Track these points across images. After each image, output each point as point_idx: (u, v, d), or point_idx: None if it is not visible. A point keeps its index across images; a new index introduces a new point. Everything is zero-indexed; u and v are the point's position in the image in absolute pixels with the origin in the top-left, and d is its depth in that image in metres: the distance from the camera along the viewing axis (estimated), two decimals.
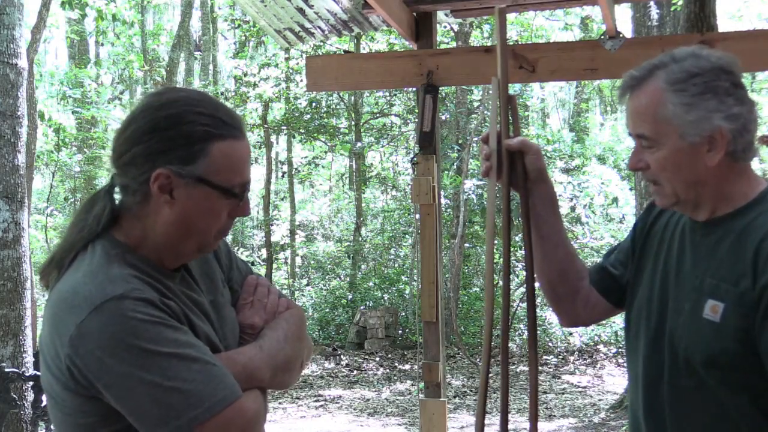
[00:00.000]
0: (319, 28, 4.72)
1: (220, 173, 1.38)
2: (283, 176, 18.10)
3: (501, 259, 1.76)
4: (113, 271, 1.33)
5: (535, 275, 1.80)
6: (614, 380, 10.23)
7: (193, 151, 1.36)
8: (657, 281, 1.64)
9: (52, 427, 1.48)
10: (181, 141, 1.36)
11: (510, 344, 11.20)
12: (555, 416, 8.56)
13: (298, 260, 16.54)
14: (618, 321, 11.31)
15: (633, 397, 1.69)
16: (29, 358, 5.59)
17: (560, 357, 11.63)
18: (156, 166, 1.35)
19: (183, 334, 1.32)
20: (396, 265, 15.10)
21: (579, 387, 10.09)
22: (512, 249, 10.46)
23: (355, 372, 11.31)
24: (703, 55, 1.53)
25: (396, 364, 11.60)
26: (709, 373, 1.50)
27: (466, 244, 13.33)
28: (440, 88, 4.05)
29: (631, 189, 13.59)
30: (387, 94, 14.24)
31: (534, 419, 1.73)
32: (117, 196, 1.43)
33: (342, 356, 12.05)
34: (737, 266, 1.48)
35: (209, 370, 1.30)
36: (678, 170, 1.53)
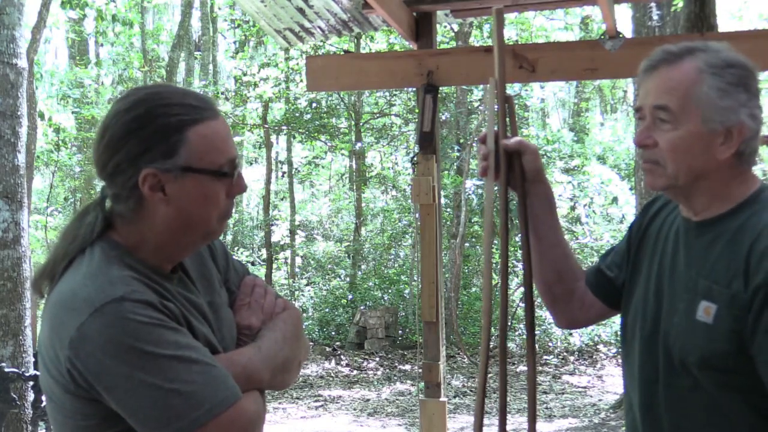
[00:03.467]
0: (319, 28, 4.72)
1: (203, 157, 1.37)
2: (283, 176, 18.12)
3: (500, 259, 1.76)
4: (113, 273, 1.32)
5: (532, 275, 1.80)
6: (614, 380, 10.23)
7: (171, 143, 1.35)
8: (652, 282, 1.64)
9: (51, 428, 1.49)
10: (157, 137, 1.35)
11: (510, 344, 11.22)
12: (555, 416, 8.56)
13: (298, 260, 16.55)
14: (618, 321, 11.31)
15: (630, 398, 1.69)
16: (29, 358, 5.59)
17: (560, 357, 11.63)
18: (140, 168, 1.35)
19: (183, 336, 1.31)
20: (396, 265, 15.10)
21: (579, 387, 10.10)
22: (512, 249, 10.47)
23: (355, 372, 11.31)
24: (735, 53, 1.54)
25: (396, 364, 11.60)
26: (703, 373, 1.50)
27: (466, 244, 13.33)
28: (440, 88, 4.05)
29: (631, 189, 13.59)
30: (387, 94, 14.25)
31: (532, 420, 1.73)
32: (109, 205, 1.43)
33: (342, 356, 12.06)
34: (730, 268, 1.47)
35: (209, 371, 1.30)
36: (687, 154, 1.51)
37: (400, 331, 12.86)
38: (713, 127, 1.49)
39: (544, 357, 11.44)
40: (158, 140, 1.35)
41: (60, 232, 1.47)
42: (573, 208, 12.80)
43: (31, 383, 5.20)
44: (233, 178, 1.41)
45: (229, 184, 1.41)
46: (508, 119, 1.75)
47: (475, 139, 12.36)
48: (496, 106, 1.75)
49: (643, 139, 1.55)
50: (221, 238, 1.55)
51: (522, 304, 10.14)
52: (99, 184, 1.45)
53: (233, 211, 1.48)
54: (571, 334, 11.95)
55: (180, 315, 1.35)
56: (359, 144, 14.78)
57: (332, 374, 11.18)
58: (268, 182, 15.54)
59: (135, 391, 1.26)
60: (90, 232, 1.39)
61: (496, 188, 1.76)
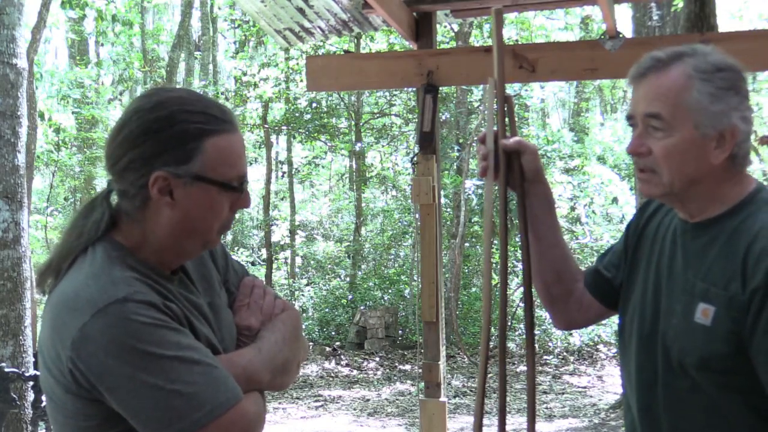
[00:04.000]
0: (319, 28, 4.72)
1: (217, 168, 1.38)
2: (283, 176, 18.12)
3: (500, 259, 1.76)
4: (115, 274, 1.32)
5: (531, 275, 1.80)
6: (614, 380, 10.24)
7: (187, 150, 1.36)
8: (650, 283, 1.64)
9: (52, 428, 1.49)
10: (175, 141, 1.35)
11: (510, 344, 11.22)
12: (555, 416, 8.56)
13: (298, 260, 16.55)
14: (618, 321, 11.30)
15: (628, 399, 1.69)
16: (29, 358, 5.59)
17: (560, 357, 11.63)
18: (153, 169, 1.35)
19: (185, 337, 1.32)
20: (396, 265, 15.10)
21: (579, 387, 10.10)
22: (512, 249, 10.46)
23: (355, 372, 11.31)
24: (723, 55, 1.53)
25: (396, 364, 11.60)
26: (701, 375, 1.50)
27: (466, 244, 13.33)
28: (440, 88, 4.05)
29: (631, 189, 13.58)
30: (387, 94, 14.24)
31: (531, 420, 1.73)
32: (114, 200, 1.43)
33: (342, 356, 12.06)
34: (727, 269, 1.47)
35: (211, 372, 1.30)
36: (682, 160, 1.51)
37: (400, 331, 12.86)
38: (706, 132, 1.49)
39: (544, 357, 11.44)
40: (176, 145, 1.35)
41: (65, 227, 1.47)
42: (573, 208, 12.79)
43: (31, 383, 5.20)
44: (241, 193, 1.42)
45: (235, 198, 1.42)
46: (507, 119, 1.75)
47: (475, 139, 12.36)
48: (495, 106, 1.75)
49: (637, 147, 1.54)
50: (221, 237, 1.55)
51: (522, 304, 10.14)
52: (99, 184, 1.45)
53: (231, 225, 1.49)
54: (571, 334, 11.95)
55: (182, 316, 1.36)
56: (359, 144, 14.78)
57: (332, 374, 11.18)
58: (268, 182, 15.54)
59: (137, 391, 1.26)
60: (95, 229, 1.40)
61: (495, 188, 1.76)
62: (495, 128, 1.73)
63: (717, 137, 1.49)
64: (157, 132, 1.35)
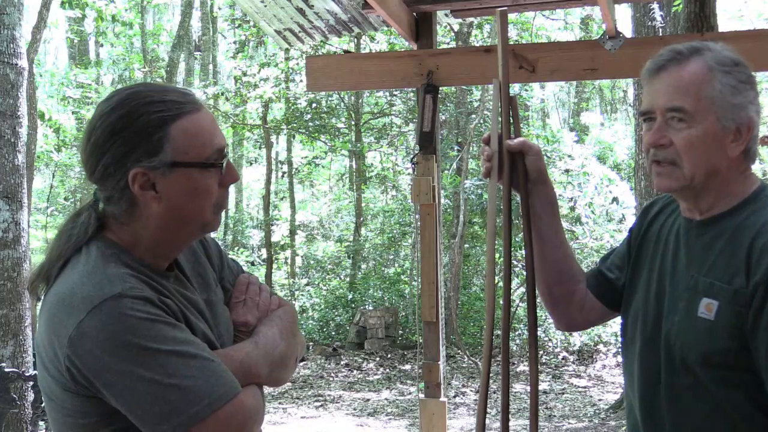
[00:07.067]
0: (319, 28, 4.72)
1: (189, 151, 1.37)
2: (283, 176, 18.10)
3: (501, 259, 1.76)
4: (110, 271, 1.33)
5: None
6: (614, 380, 10.24)
7: (154, 140, 1.36)
8: (653, 283, 1.65)
9: (50, 427, 1.50)
10: (140, 136, 1.36)
11: (510, 344, 11.21)
12: (555, 416, 8.56)
13: (298, 260, 16.54)
14: (618, 321, 11.28)
15: (630, 398, 1.69)
16: (29, 358, 5.59)
17: (560, 357, 11.63)
18: (128, 168, 1.35)
19: (181, 332, 1.32)
20: (396, 265, 15.09)
21: (579, 387, 10.09)
22: (512, 249, 10.44)
23: (355, 372, 11.31)
24: (733, 51, 1.55)
25: (396, 364, 11.60)
26: (704, 371, 1.50)
27: (466, 244, 13.32)
28: (440, 88, 4.05)
29: (631, 189, 13.57)
30: (387, 94, 14.24)
31: (534, 419, 1.73)
32: (101, 207, 1.43)
33: (342, 356, 12.06)
34: (731, 265, 1.48)
35: (208, 366, 1.31)
36: (704, 152, 1.51)
37: (400, 331, 12.85)
38: (726, 125, 1.51)
39: (544, 357, 11.43)
40: (141, 139, 1.36)
41: (55, 234, 1.48)
42: (573, 208, 12.77)
43: (31, 383, 5.21)
44: (222, 167, 1.41)
45: (220, 174, 1.42)
46: (511, 120, 1.75)
47: (475, 138, 12.37)
48: (499, 107, 1.75)
49: (658, 139, 1.54)
50: (220, 237, 1.56)
51: (522, 304, 10.12)
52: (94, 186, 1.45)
53: (227, 202, 1.49)
54: (571, 334, 11.93)
55: (178, 311, 1.36)
56: (359, 144, 14.78)
57: (332, 374, 11.18)
58: (268, 182, 15.53)
59: (134, 387, 1.26)
60: (84, 231, 1.40)
61: (499, 188, 1.76)
62: (499, 129, 1.73)
63: (734, 130, 1.51)
64: (121, 131, 1.35)
